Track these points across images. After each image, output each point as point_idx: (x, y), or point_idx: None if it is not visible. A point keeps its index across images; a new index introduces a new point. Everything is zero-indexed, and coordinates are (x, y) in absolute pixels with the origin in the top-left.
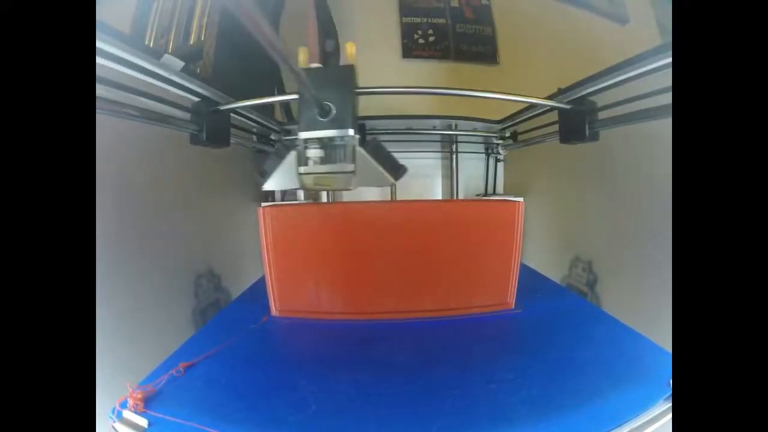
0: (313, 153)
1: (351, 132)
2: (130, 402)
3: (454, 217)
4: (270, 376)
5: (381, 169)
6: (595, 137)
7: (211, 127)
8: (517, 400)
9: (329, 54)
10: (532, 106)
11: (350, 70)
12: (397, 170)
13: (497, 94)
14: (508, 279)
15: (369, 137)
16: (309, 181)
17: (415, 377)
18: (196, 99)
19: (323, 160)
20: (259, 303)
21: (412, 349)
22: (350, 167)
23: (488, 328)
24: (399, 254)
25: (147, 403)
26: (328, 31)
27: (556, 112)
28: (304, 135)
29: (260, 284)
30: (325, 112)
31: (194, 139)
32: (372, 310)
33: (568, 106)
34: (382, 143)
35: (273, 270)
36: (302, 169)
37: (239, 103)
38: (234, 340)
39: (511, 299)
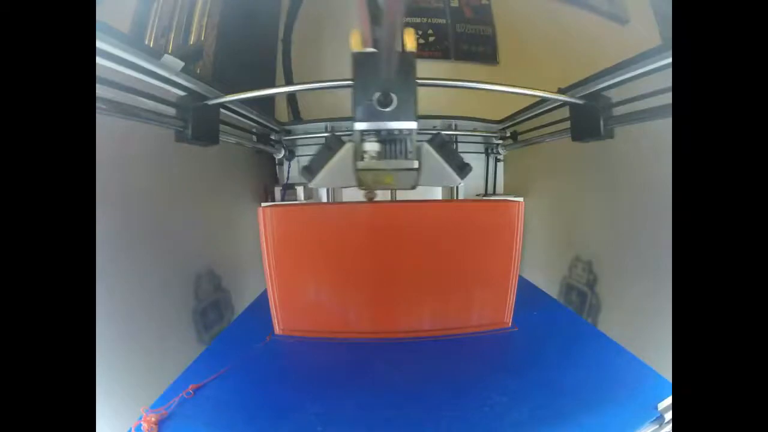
0: (371, 147)
1: (415, 125)
2: (145, 426)
3: (454, 220)
4: (277, 397)
5: (448, 167)
6: (610, 134)
7: (197, 124)
8: (508, 423)
9: (393, 38)
10: (534, 104)
11: (411, 57)
12: (462, 169)
13: (509, 87)
14: (505, 298)
15: (434, 132)
16: (368, 178)
17: (415, 399)
18: (181, 93)
19: (380, 155)
20: (263, 320)
21: (412, 371)
22: (415, 164)
23: (485, 348)
24: (400, 260)
25: (161, 427)
26: (376, 16)
27: (557, 112)
28: (361, 126)
29: (263, 298)
30: (386, 101)
31: (179, 137)
32: (372, 330)
33: (581, 101)
34: (448, 139)
35: (275, 283)
36: (360, 164)
37: (228, 97)
38: (240, 361)
39: (508, 318)
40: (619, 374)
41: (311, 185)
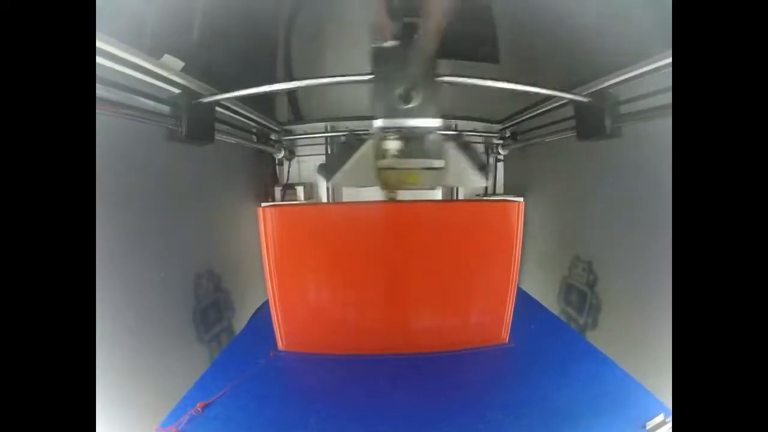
0: (394, 145)
1: (439, 122)
2: None
3: (455, 221)
4: (282, 414)
5: (472, 167)
6: (617, 133)
7: (192, 122)
8: None
9: (414, 30)
10: (535, 104)
11: (429, 51)
12: (484, 169)
13: (512, 85)
14: (503, 313)
15: (454, 132)
16: (391, 177)
17: (414, 416)
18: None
19: (401, 154)
20: (265, 334)
21: (411, 387)
22: (439, 163)
23: (483, 364)
24: (401, 265)
25: None
26: (393, 10)
27: (558, 111)
28: (381, 123)
29: (264, 308)
30: (408, 98)
31: (173, 136)
32: (373, 347)
33: (586, 99)
34: (467, 139)
35: (276, 293)
36: (383, 163)
37: (223, 95)
38: (245, 378)
39: (506, 334)
40: (611, 392)
41: (329, 184)
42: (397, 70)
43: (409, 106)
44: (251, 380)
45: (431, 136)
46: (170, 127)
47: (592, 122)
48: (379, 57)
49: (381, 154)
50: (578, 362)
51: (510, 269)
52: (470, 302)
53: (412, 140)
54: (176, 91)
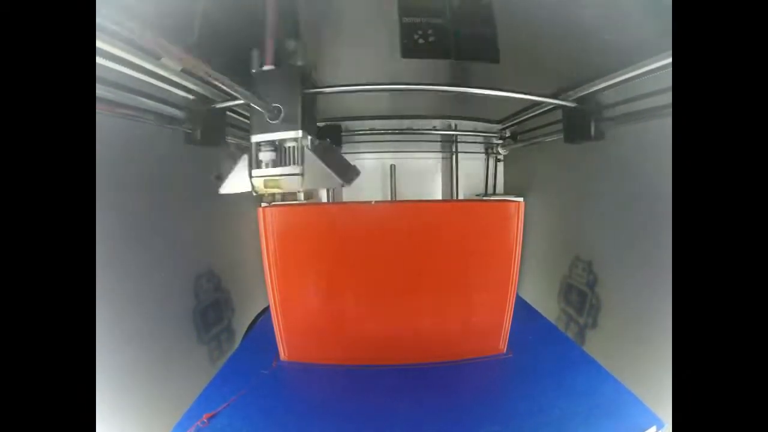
0: (266, 156)
1: (300, 133)
2: None
3: (454, 221)
4: (286, 426)
5: (328, 170)
6: (601, 136)
7: (206, 126)
8: None
9: (291, 54)
10: (535, 104)
11: (298, 71)
12: (346, 172)
13: (499, 91)
14: (501, 323)
15: (319, 140)
16: (260, 183)
17: (413, 428)
18: (191, 97)
19: (275, 163)
20: (267, 343)
21: (411, 399)
22: (297, 169)
23: (482, 375)
24: (401, 269)
25: None
26: (289, 30)
27: (557, 112)
28: (255, 138)
29: (265, 317)
30: (274, 114)
31: (189, 139)
32: (374, 357)
33: (572, 104)
34: (334, 145)
35: (277, 299)
36: (255, 172)
37: (236, 102)
38: (249, 388)
39: (504, 344)
40: (606, 403)
41: (220, 191)
42: (269, 90)
43: (276, 121)
44: (255, 391)
45: (293, 146)
46: (176, 129)
47: (577, 126)
48: (257, 81)
49: (256, 163)
50: (574, 373)
51: (510, 273)
52: (470, 310)
53: (282, 150)
54: (176, 91)
